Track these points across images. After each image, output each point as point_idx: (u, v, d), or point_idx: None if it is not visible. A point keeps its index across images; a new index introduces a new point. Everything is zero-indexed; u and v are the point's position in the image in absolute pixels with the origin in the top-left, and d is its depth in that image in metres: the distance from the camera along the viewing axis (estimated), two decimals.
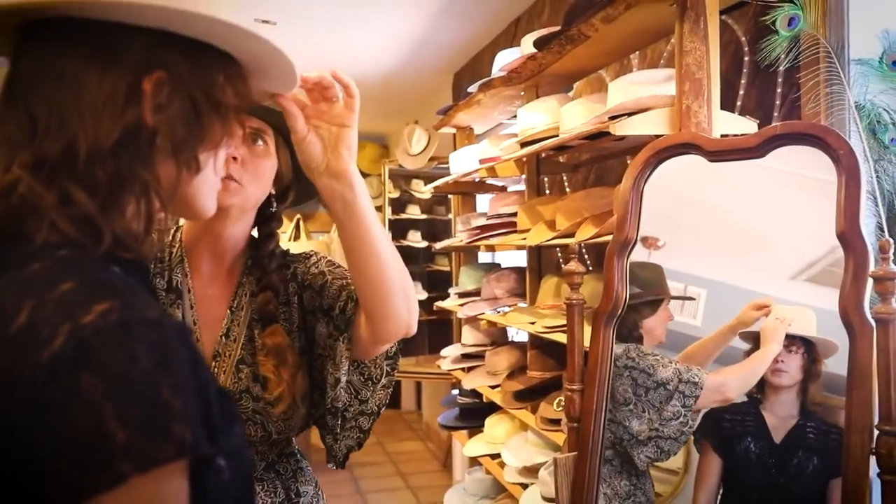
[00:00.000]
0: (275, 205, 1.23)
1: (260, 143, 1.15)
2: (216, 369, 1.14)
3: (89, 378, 0.55)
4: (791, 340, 1.48)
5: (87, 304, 0.58)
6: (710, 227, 1.66)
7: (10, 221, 0.66)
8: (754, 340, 1.52)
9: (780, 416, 1.50)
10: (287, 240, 5.59)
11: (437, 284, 5.55)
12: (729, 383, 1.55)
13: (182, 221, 1.24)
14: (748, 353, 1.53)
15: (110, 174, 0.66)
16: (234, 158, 1.11)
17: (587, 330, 1.70)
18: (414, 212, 5.89)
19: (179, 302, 1.16)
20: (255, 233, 1.24)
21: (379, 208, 6.10)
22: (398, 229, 5.86)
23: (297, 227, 6.18)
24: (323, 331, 1.16)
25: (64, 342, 0.56)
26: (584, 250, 2.64)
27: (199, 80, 0.71)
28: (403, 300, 1.06)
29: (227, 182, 1.10)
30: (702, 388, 1.53)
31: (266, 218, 1.23)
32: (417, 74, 4.79)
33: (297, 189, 1.23)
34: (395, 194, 5.85)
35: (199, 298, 1.18)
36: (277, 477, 1.17)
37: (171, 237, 1.21)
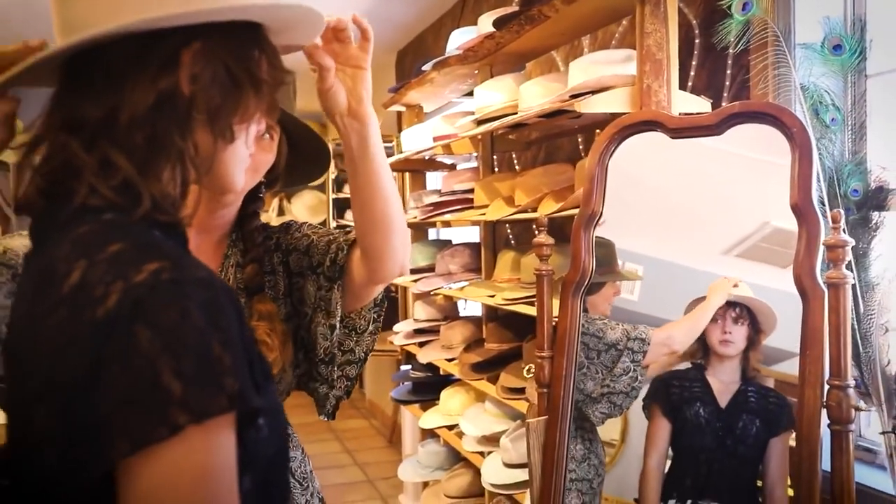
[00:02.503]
0: (263, 190, 1.27)
1: (266, 137, 1.19)
2: None
3: (145, 333, 0.57)
4: (738, 312, 1.56)
5: (139, 264, 0.60)
6: (648, 205, 1.72)
7: (54, 183, 0.69)
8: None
9: (723, 382, 1.57)
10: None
11: None
12: (674, 336, 1.63)
13: None
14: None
15: (147, 139, 0.68)
16: None
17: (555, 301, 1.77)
18: None
19: None
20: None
21: (323, 186, 6.08)
22: (336, 209, 5.85)
23: (281, 206, 6.07)
24: (312, 288, 1.21)
25: (119, 300, 0.58)
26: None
27: (235, 52, 0.73)
28: (402, 238, 1.12)
29: None
30: (649, 344, 1.61)
31: (251, 199, 1.27)
32: None
33: (284, 178, 1.28)
34: (334, 174, 5.82)
35: None
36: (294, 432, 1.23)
37: None
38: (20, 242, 1.19)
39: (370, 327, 1.26)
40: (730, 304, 1.56)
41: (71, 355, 0.60)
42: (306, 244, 1.24)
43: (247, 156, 0.79)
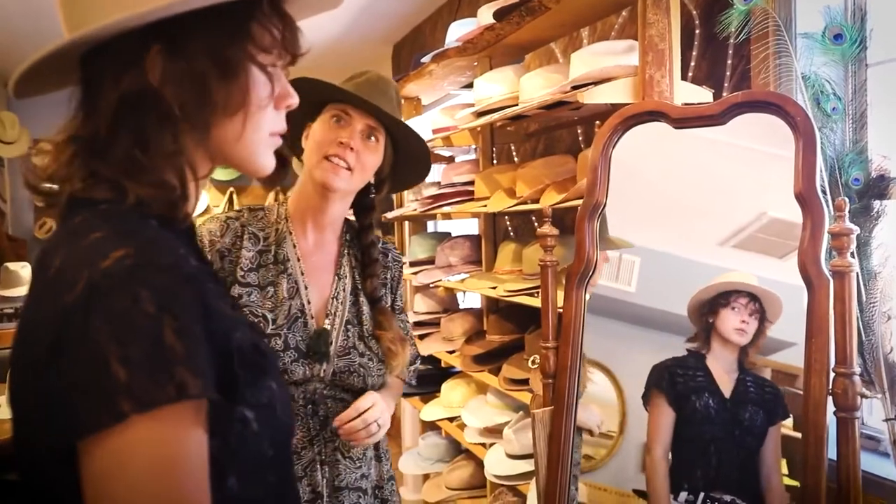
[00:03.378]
0: (373, 192, 1.43)
1: (373, 139, 1.34)
2: (329, 327, 1.34)
3: (97, 320, 0.57)
4: (756, 307, 1.55)
5: (107, 251, 0.61)
6: (645, 196, 1.72)
7: (54, 181, 0.71)
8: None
9: (724, 371, 1.56)
10: (222, 212, 5.52)
11: None
12: None
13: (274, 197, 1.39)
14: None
15: (132, 144, 0.69)
16: (351, 148, 1.31)
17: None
18: None
19: (289, 270, 1.35)
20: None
21: None
22: None
23: (231, 200, 6.07)
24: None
25: (83, 286, 0.59)
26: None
27: (212, 43, 0.70)
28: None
29: (338, 168, 1.31)
30: None
31: (365, 209, 1.44)
32: (357, 45, 4.75)
33: (391, 182, 1.43)
34: None
35: (307, 265, 1.37)
36: None
37: (275, 216, 1.39)
38: (206, 229, 1.36)
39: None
40: (750, 297, 1.55)
41: (40, 338, 0.61)
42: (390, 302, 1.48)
43: (272, 139, 0.77)
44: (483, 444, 2.60)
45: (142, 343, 0.57)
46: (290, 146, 1.44)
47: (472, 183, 2.74)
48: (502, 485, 2.40)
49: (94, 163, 0.69)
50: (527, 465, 2.25)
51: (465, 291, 2.85)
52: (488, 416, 2.55)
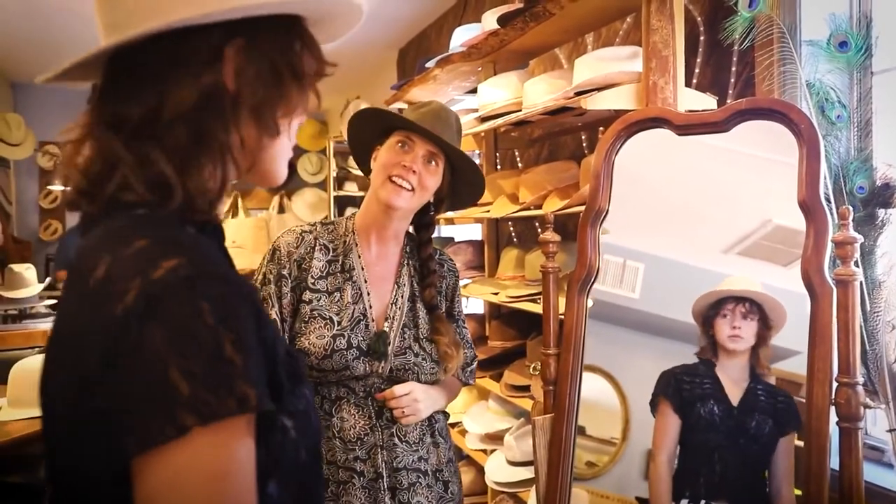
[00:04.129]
0: (432, 210, 1.58)
1: (433, 163, 1.48)
2: (388, 329, 1.49)
3: (157, 331, 0.57)
4: (747, 307, 1.55)
5: (158, 260, 0.60)
6: (649, 202, 1.71)
7: (93, 179, 0.68)
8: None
9: (733, 380, 1.54)
10: (225, 216, 5.55)
11: None
12: None
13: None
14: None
15: (191, 136, 0.68)
16: (413, 171, 1.45)
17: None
18: (351, 189, 5.87)
19: (354, 278, 1.50)
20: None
21: (323, 184, 6.06)
22: (338, 207, 5.85)
23: (235, 203, 6.09)
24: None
25: (135, 297, 0.58)
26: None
27: (278, 46, 0.72)
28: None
29: (400, 189, 1.45)
30: None
31: (425, 225, 1.59)
32: (362, 49, 4.76)
33: (448, 201, 1.58)
34: (335, 171, 5.81)
35: (370, 274, 1.52)
36: None
37: (343, 229, 1.55)
38: (284, 241, 1.51)
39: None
40: (739, 300, 1.54)
41: (86, 350, 0.59)
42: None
43: (289, 148, 0.78)
44: (484, 451, 2.59)
45: (203, 356, 0.57)
46: (360, 166, 1.64)
47: None
48: (503, 492, 2.39)
49: (146, 147, 0.67)
50: (528, 473, 2.23)
51: (467, 297, 2.85)
52: (489, 423, 2.54)
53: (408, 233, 1.60)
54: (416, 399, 1.48)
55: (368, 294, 1.51)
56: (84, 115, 0.72)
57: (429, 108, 1.53)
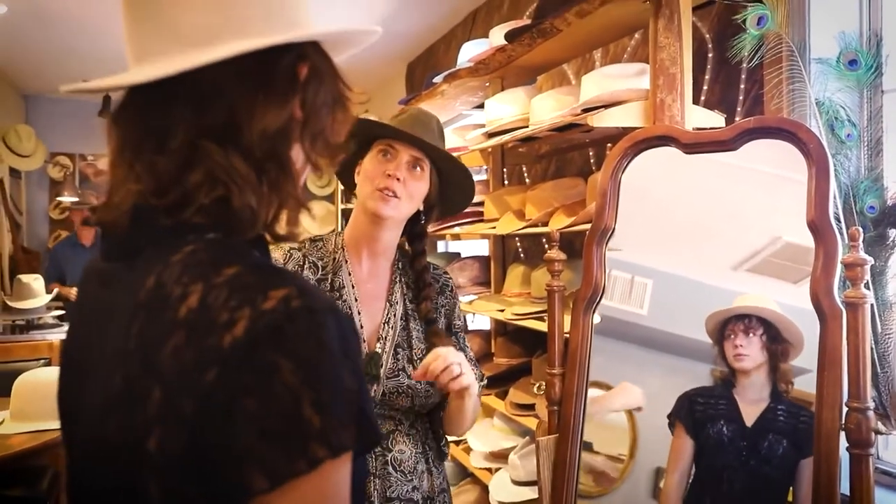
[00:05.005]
0: (423, 219, 1.50)
1: (418, 169, 1.41)
2: (380, 350, 1.41)
3: (286, 364, 0.55)
4: (747, 324, 1.53)
5: (264, 290, 0.58)
6: (658, 219, 1.70)
7: (154, 198, 0.65)
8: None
9: (751, 400, 1.51)
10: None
11: None
12: None
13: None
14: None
15: (266, 158, 0.66)
16: (398, 179, 1.38)
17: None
18: None
19: (344, 297, 1.43)
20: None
21: (331, 197, 6.07)
22: (346, 220, 5.85)
23: None
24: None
25: (248, 328, 0.56)
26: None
27: (334, 72, 0.72)
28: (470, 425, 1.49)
29: (387, 197, 1.38)
30: None
31: (417, 235, 1.51)
32: (370, 63, 4.77)
33: (439, 208, 1.51)
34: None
35: (361, 292, 1.45)
36: (417, 433, 1.44)
37: (332, 246, 1.48)
38: (279, 254, 1.45)
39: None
40: (739, 318, 1.52)
41: (195, 383, 0.56)
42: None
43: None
44: (489, 469, 2.56)
45: (330, 387, 0.57)
46: (344, 182, 1.58)
47: (482, 204, 2.72)
48: None
49: (230, 154, 0.64)
50: (532, 493, 2.20)
51: (473, 313, 2.83)
52: (494, 441, 2.52)
53: (399, 248, 1.52)
54: (459, 361, 1.32)
55: (359, 314, 1.44)
56: (119, 129, 0.68)
57: (408, 114, 1.47)
